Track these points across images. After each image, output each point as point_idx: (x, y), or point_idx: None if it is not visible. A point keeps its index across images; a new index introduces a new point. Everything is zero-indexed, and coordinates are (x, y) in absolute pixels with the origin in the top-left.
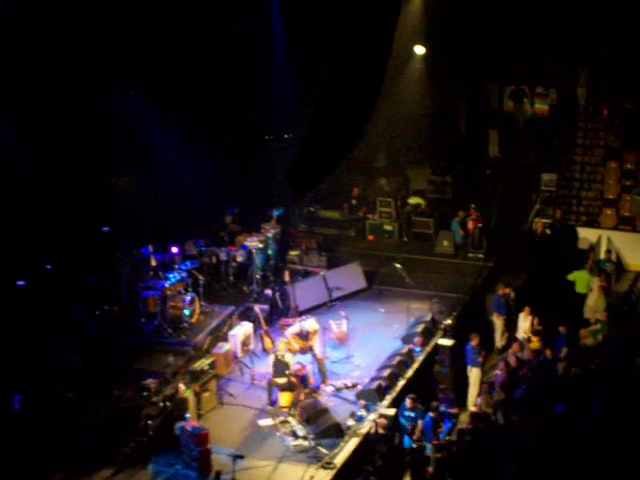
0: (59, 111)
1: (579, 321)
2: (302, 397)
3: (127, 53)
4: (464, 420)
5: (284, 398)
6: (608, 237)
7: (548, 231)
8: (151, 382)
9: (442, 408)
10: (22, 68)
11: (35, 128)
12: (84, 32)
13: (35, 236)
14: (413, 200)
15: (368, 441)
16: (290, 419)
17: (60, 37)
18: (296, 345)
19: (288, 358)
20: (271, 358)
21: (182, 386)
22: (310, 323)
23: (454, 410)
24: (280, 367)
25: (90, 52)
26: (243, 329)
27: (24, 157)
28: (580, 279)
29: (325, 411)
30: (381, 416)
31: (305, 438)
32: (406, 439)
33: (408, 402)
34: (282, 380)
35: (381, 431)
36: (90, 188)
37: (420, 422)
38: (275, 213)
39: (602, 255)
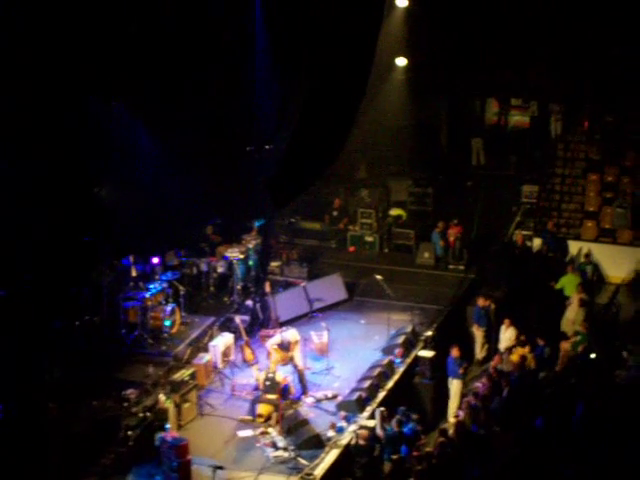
0: (41, 120)
1: (559, 333)
2: (282, 410)
3: (109, 64)
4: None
5: (263, 408)
6: (589, 249)
7: (528, 243)
8: (131, 393)
9: (406, 429)
10: (4, 76)
11: (16, 136)
12: (66, 42)
13: (14, 245)
14: (394, 212)
15: (348, 452)
16: (270, 430)
17: (43, 46)
18: (277, 356)
19: (279, 377)
20: (261, 375)
21: (162, 397)
22: (291, 333)
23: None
24: (272, 386)
25: (72, 62)
26: (224, 340)
27: (4, 166)
28: (568, 283)
29: (305, 422)
30: (362, 427)
31: (285, 449)
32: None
33: (394, 424)
34: (272, 396)
35: (362, 442)
36: (72, 197)
37: None
38: (256, 224)
39: (582, 259)
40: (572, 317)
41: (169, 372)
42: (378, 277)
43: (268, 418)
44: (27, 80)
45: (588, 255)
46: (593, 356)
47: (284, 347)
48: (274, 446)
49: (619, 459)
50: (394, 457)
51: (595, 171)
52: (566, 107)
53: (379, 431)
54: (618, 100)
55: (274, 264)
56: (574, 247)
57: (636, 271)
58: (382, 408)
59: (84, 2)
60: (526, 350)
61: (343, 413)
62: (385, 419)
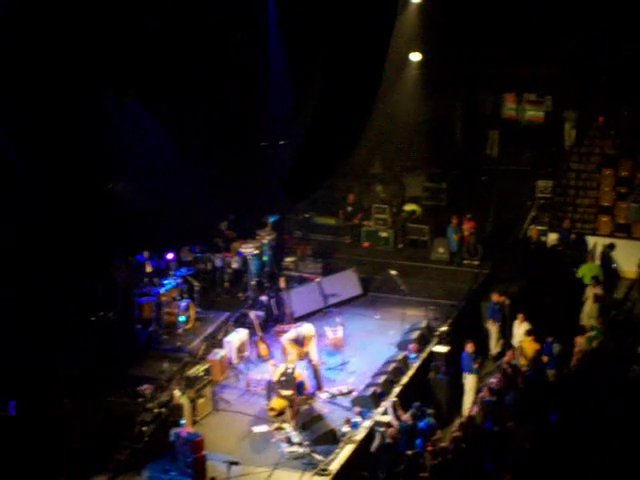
0: (55, 117)
1: (575, 328)
2: (297, 406)
3: (123, 59)
4: (458, 427)
5: (277, 402)
6: (603, 244)
7: (543, 238)
8: (146, 388)
9: (422, 424)
10: (17, 72)
11: (30, 133)
12: (80, 37)
13: (29, 242)
14: (409, 207)
15: (367, 449)
16: (285, 425)
17: (56, 42)
18: (292, 351)
19: (297, 372)
20: (279, 370)
21: (177, 392)
22: (306, 328)
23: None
24: (288, 381)
25: (86, 58)
26: (238, 335)
27: (19, 161)
28: (588, 271)
29: (320, 417)
30: (389, 425)
31: (300, 444)
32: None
33: (408, 418)
34: (287, 392)
35: (389, 440)
36: (86, 194)
37: None
38: (270, 220)
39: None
40: (589, 311)
41: (184, 368)
42: (393, 272)
43: (281, 413)
44: (40, 77)
45: (612, 245)
46: None
47: (299, 342)
48: (289, 441)
49: (633, 454)
50: (409, 452)
51: (610, 166)
52: (580, 115)
53: (394, 422)
54: (633, 95)
55: (289, 259)
56: (589, 242)
57: None
58: (394, 398)
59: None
60: (537, 346)
61: (358, 408)
62: (397, 409)
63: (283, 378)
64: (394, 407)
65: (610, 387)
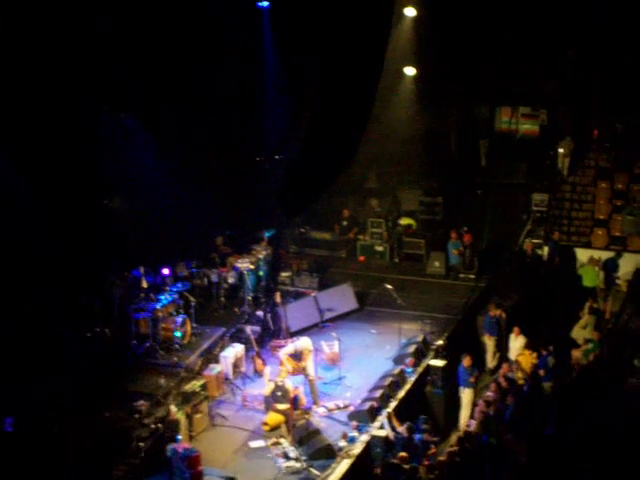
0: (52, 133)
1: (569, 341)
2: (293, 420)
3: (119, 75)
4: (454, 441)
5: (272, 417)
6: (599, 257)
7: (539, 251)
8: (142, 404)
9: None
10: (14, 89)
11: (27, 149)
12: (77, 53)
13: (26, 257)
14: (404, 221)
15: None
16: (282, 440)
17: (53, 57)
18: (289, 366)
19: (288, 385)
20: (270, 385)
21: (173, 408)
22: (304, 342)
23: (434, 438)
24: (283, 395)
25: (83, 73)
26: (234, 350)
27: (16, 177)
28: (585, 273)
29: (317, 432)
30: (387, 439)
31: (297, 459)
32: None
33: (405, 430)
34: (283, 407)
35: (395, 461)
36: (83, 209)
37: None
38: (266, 234)
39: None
40: (582, 324)
41: (180, 383)
42: (388, 286)
43: (275, 428)
44: (38, 91)
45: (620, 254)
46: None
47: (297, 357)
48: (286, 456)
49: (629, 466)
50: (406, 467)
51: (605, 179)
52: (575, 145)
53: (390, 433)
54: (627, 108)
55: (284, 274)
56: (584, 255)
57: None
58: (389, 410)
59: (96, 15)
60: (534, 360)
61: (355, 423)
62: (392, 420)
63: (279, 393)
64: (389, 418)
65: (607, 400)
